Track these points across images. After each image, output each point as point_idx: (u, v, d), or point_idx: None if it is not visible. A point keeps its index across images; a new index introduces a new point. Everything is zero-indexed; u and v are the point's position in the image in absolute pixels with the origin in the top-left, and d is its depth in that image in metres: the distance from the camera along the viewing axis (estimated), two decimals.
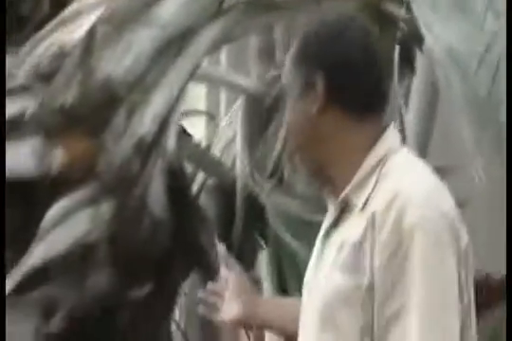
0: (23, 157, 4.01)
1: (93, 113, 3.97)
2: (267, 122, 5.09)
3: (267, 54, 8.36)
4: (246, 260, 4.41)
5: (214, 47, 4.51)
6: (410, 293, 2.61)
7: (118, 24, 4.01)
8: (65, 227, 3.94)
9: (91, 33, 3.95)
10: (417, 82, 6.08)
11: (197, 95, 5.08)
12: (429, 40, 4.96)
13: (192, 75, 4.29)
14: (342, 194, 2.74)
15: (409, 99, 6.09)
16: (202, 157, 4.94)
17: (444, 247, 2.62)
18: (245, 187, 4.80)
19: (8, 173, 4.02)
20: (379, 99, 2.98)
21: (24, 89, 3.99)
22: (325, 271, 2.78)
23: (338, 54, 2.88)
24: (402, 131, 6.33)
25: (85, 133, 3.97)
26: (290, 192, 5.63)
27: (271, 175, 5.28)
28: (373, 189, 2.72)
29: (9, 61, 4.14)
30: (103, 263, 3.96)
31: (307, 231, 5.21)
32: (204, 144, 5.25)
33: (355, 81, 2.90)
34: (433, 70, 5.37)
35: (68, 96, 3.91)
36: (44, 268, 3.83)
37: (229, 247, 4.39)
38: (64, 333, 3.98)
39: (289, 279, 5.30)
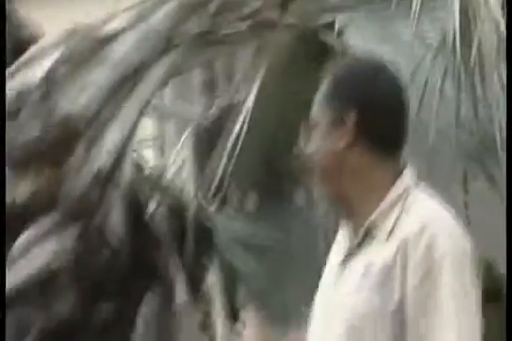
0: None
1: (54, 147, 4.07)
2: (212, 148, 5.25)
3: (210, 86, 8.59)
4: (196, 278, 4.56)
5: (164, 82, 4.61)
6: (443, 312, 2.83)
7: (74, 64, 4.10)
8: (33, 255, 4.09)
9: (50, 73, 4.07)
10: None
11: (145, 126, 5.22)
12: None
13: (145, 109, 4.40)
14: (366, 223, 2.90)
15: None
16: (155, 184, 5.02)
17: (467, 277, 2.84)
18: (193, 210, 4.87)
19: None
20: (401, 139, 3.15)
21: None
22: (350, 293, 2.93)
23: (372, 95, 3.09)
24: None
25: (48, 165, 4.09)
26: (232, 215, 5.84)
27: (214, 196, 5.45)
28: (396, 220, 2.91)
29: None
30: (67, 288, 4.12)
31: (250, 251, 5.42)
32: (155, 173, 5.28)
33: (383, 121, 3.08)
34: None
35: (32, 131, 3.99)
36: (13, 294, 4.00)
37: (183, 267, 4.53)
38: None
39: (238, 296, 5.47)
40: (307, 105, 6.28)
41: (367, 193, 3.00)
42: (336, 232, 5.31)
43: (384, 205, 2.92)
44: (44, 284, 4.10)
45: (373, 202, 2.93)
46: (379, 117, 3.04)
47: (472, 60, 4.65)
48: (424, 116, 5.15)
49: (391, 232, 2.86)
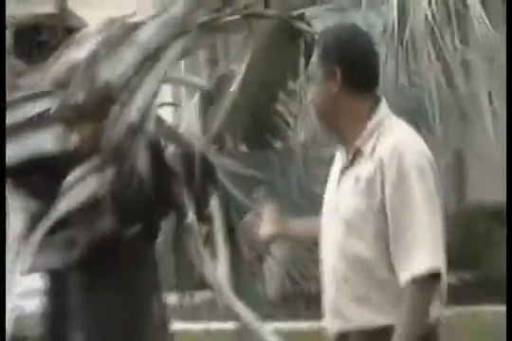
0: (48, 141, 4.13)
1: (96, 107, 4.14)
2: (213, 107, 5.35)
3: (212, 61, 8.73)
4: (202, 203, 4.63)
5: (178, 59, 4.69)
6: (414, 210, 3.16)
7: (111, 45, 4.16)
8: (79, 188, 4.07)
9: (93, 52, 4.13)
10: None
11: (164, 91, 5.27)
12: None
13: (163, 79, 4.53)
14: (355, 145, 3.32)
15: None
16: (172, 134, 4.98)
17: (430, 181, 3.19)
18: (199, 152, 4.78)
19: (34, 152, 4.14)
20: (375, 82, 3.52)
21: (48, 93, 4.11)
22: (346, 196, 3.34)
23: (352, 52, 3.46)
24: None
25: (91, 121, 4.13)
26: (230, 154, 5.98)
27: (214, 143, 5.61)
28: (376, 141, 3.27)
29: (35, 74, 4.30)
30: (107, 211, 4.12)
31: (243, 182, 5.55)
32: (172, 126, 5.17)
33: (361, 71, 3.45)
34: None
35: (79, 95, 4.08)
36: (65, 217, 3.96)
37: (192, 195, 4.55)
38: (81, 261, 4.14)
39: (234, 217, 5.57)
40: (283, 74, 6.51)
41: (353, 124, 3.36)
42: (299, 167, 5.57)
43: (365, 132, 3.30)
44: (88, 209, 4.09)
45: (358, 130, 3.32)
46: (359, 68, 3.42)
47: (405, 40, 4.66)
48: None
49: (371, 152, 3.23)
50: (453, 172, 13.04)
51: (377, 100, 3.46)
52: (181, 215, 4.70)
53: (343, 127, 3.43)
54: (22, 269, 3.82)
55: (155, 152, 4.55)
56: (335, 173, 3.47)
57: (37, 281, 4.49)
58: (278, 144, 6.37)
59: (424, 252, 3.12)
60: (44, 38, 4.51)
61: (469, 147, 12.35)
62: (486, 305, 10.87)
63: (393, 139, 3.29)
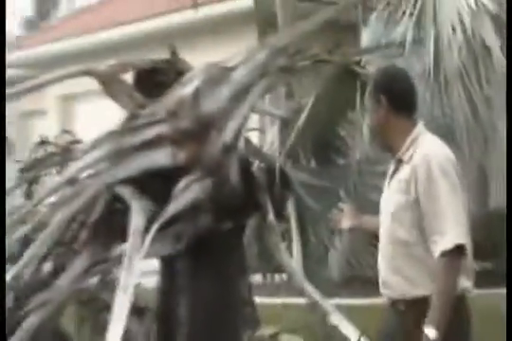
0: (162, 158, 4.15)
1: (199, 132, 4.14)
2: (289, 131, 5.34)
3: (289, 96, 8.80)
4: (280, 207, 4.67)
5: (263, 94, 4.74)
6: (440, 201, 3.40)
7: (211, 83, 4.16)
8: (185, 194, 4.04)
9: (197, 89, 4.13)
10: None
11: (252, 119, 5.37)
12: None
13: (251, 109, 4.47)
14: (398, 155, 3.69)
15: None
16: (257, 153, 4.97)
17: (453, 177, 3.46)
18: (279, 167, 4.74)
19: (151, 166, 4.12)
20: (413, 107, 3.76)
21: (162, 121, 4.15)
22: (391, 194, 3.71)
23: (393, 84, 3.81)
24: None
25: (195, 143, 4.10)
26: (303, 168, 6.01)
27: (290, 159, 5.69)
28: (413, 152, 3.57)
29: (153, 106, 4.29)
30: (205, 212, 4.11)
31: (312, 190, 5.54)
32: (257, 146, 5.24)
33: (402, 98, 3.75)
34: None
35: (186, 123, 4.17)
36: (174, 216, 3.94)
37: (272, 200, 4.55)
38: (186, 250, 4.10)
39: (305, 218, 5.56)
40: (344, 106, 6.82)
41: (397, 139, 3.66)
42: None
43: (405, 145, 3.61)
44: (191, 210, 4.06)
45: (401, 143, 3.63)
46: (399, 96, 3.73)
47: (440, 80, 4.60)
48: None
49: (409, 161, 3.56)
50: (477, 184, 12.73)
51: (415, 122, 3.74)
52: (263, 215, 4.67)
53: (391, 142, 3.75)
54: (141, 255, 3.72)
55: (244, 166, 4.51)
56: (387, 179, 3.81)
57: (153, 264, 4.44)
58: (340, 161, 6.53)
59: (451, 232, 3.29)
60: (160, 78, 4.55)
61: (490, 163, 12.22)
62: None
63: (425, 150, 3.58)
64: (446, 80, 4.05)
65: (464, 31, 3.65)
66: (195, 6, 9.18)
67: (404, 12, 4.06)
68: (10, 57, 14.54)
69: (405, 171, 3.60)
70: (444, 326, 3.13)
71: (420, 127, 3.72)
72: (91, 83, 4.34)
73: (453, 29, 3.77)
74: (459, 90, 4.13)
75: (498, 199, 12.48)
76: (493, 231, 11.55)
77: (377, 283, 3.83)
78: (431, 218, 3.41)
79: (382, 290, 3.66)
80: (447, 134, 5.28)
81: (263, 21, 8.94)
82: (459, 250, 3.23)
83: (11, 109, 14.33)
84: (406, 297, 3.47)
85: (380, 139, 3.87)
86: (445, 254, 3.24)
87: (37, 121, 12.42)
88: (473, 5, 3.68)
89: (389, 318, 3.69)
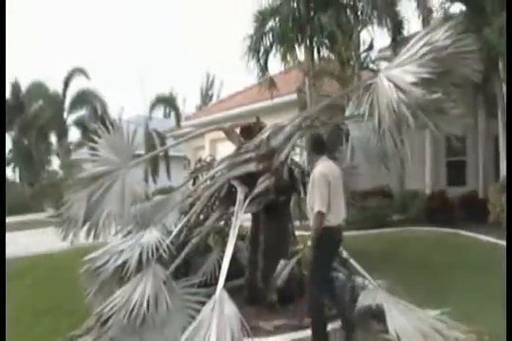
0: (251, 167, 5.32)
1: (269, 155, 5.30)
2: None
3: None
4: (306, 190, 4.67)
5: (299, 137, 5.62)
6: (314, 190, 4.26)
7: (275, 132, 5.35)
8: (262, 184, 5.26)
9: (269, 135, 5.37)
10: None
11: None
12: None
13: (294, 145, 5.54)
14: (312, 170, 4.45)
15: None
16: (296, 164, 5.89)
17: (321, 185, 4.23)
18: (306, 170, 5.62)
19: (246, 171, 5.29)
20: (322, 150, 4.45)
21: (251, 151, 5.33)
22: (309, 188, 4.45)
23: (315, 142, 4.55)
24: None
25: (267, 160, 5.31)
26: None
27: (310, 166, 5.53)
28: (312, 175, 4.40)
29: (247, 145, 5.38)
30: (272, 192, 5.29)
31: None
32: (296, 160, 6.05)
33: (317, 146, 4.45)
34: None
35: (262, 151, 5.28)
36: (257, 194, 5.14)
37: (302, 186, 5.42)
38: (263, 209, 5.35)
39: None
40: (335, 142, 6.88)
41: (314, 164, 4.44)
42: None
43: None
44: (265, 191, 5.22)
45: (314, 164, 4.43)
46: (316, 146, 4.43)
47: (381, 132, 4.81)
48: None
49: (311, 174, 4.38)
50: (399, 177, 13.69)
51: (322, 156, 4.49)
52: (299, 193, 5.83)
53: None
54: (242, 211, 4.93)
55: (290, 171, 5.64)
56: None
57: (248, 216, 5.66)
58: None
59: (318, 204, 4.24)
60: (252, 130, 5.74)
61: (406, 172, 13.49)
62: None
63: (316, 168, 4.40)
64: (383, 132, 4.67)
65: (393, 109, 4.43)
66: (272, 98, 13.01)
67: (364, 101, 4.77)
68: (187, 123, 20.50)
69: (311, 176, 4.41)
70: (314, 242, 4.30)
71: (323, 158, 4.49)
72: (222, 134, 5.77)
73: (387, 108, 4.64)
74: (389, 136, 4.82)
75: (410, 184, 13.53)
76: (404, 202, 12.44)
77: None
78: (312, 197, 4.32)
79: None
80: (383, 155, 5.55)
81: (300, 105, 12.65)
82: (320, 212, 4.26)
83: (189, 146, 20.30)
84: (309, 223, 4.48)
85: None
86: (315, 213, 4.27)
87: (200, 152, 16.55)
88: (395, 97, 4.53)
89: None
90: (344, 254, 5.38)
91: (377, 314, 4.68)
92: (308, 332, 4.54)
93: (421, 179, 14.24)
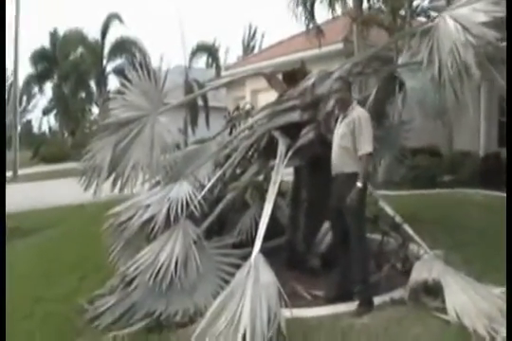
0: (295, 116, 4.91)
1: (315, 102, 4.91)
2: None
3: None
4: None
5: None
6: (363, 134, 4.02)
7: (322, 79, 4.97)
8: (306, 136, 4.81)
9: (314, 82, 5.01)
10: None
11: None
12: None
13: None
14: (346, 113, 4.10)
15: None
16: None
17: (369, 127, 4.02)
18: None
19: (290, 120, 4.88)
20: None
21: (295, 98, 4.92)
22: (341, 128, 4.13)
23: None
24: None
25: (312, 109, 4.88)
26: None
27: None
28: (352, 112, 4.08)
29: (291, 91, 4.98)
30: (316, 145, 4.77)
31: None
32: None
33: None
34: None
35: (307, 99, 4.86)
36: (300, 146, 4.71)
37: None
38: (306, 163, 4.95)
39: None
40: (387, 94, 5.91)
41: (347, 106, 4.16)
42: None
43: (349, 109, 4.12)
44: (309, 144, 4.79)
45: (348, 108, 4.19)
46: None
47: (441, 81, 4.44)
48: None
49: (350, 115, 4.09)
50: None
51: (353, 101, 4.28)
52: None
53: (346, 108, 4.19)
54: (283, 165, 4.51)
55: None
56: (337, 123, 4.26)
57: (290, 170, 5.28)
58: None
59: (369, 146, 3.99)
60: (296, 76, 5.25)
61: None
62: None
63: (357, 112, 4.08)
64: (444, 82, 4.28)
65: (458, 55, 4.07)
66: (320, 46, 12.33)
67: (423, 47, 4.33)
68: (228, 72, 19.59)
69: (347, 120, 4.16)
70: (362, 192, 4.03)
71: (355, 102, 4.32)
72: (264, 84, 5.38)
73: (450, 53, 4.15)
74: (449, 86, 4.27)
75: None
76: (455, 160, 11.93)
77: None
78: (359, 139, 4.07)
79: (333, 169, 4.25)
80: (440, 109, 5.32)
81: (347, 55, 11.78)
82: (371, 154, 4.08)
83: (230, 96, 19.53)
84: (344, 172, 4.21)
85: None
86: (365, 154, 4.05)
87: (241, 102, 16.09)
88: (462, 40, 4.04)
89: (336, 186, 4.26)
90: (397, 218, 4.91)
91: (433, 290, 4.19)
92: (354, 305, 4.13)
93: (471, 139, 13.48)
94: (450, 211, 8.22)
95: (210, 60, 27.91)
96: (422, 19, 12.34)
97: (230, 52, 60.57)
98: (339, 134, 4.24)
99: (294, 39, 16.87)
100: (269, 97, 5.48)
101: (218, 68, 24.62)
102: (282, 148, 4.67)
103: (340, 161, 4.25)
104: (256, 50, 36.48)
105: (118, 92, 5.22)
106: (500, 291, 4.12)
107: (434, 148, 12.72)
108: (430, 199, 9.65)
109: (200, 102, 22.16)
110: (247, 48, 39.49)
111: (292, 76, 5.20)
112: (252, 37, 40.12)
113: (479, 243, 5.99)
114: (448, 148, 13.15)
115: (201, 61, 28.09)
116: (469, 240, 6.14)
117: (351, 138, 4.15)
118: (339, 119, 4.33)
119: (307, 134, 4.88)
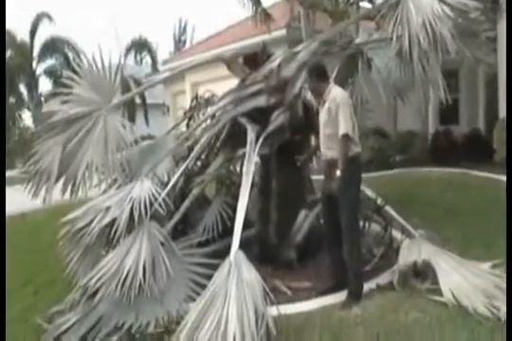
0: (261, 101, 4.61)
1: (280, 86, 4.63)
2: None
3: None
4: None
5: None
6: (341, 116, 3.76)
7: (287, 60, 4.68)
8: (276, 121, 4.52)
9: (279, 64, 4.70)
10: None
11: None
12: None
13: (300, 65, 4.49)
14: (323, 98, 3.87)
15: None
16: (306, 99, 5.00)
17: (347, 108, 3.76)
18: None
19: (255, 106, 4.58)
20: (327, 77, 4.05)
21: (259, 82, 4.64)
22: (323, 114, 3.94)
23: (317, 69, 4.02)
24: None
25: (280, 93, 4.59)
26: None
27: None
28: (329, 96, 3.84)
29: (254, 74, 4.66)
30: (286, 130, 4.56)
31: None
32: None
33: (322, 74, 3.96)
34: None
35: (272, 82, 4.57)
36: (270, 133, 4.43)
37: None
38: (276, 151, 4.64)
39: None
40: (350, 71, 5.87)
41: (322, 90, 3.94)
42: None
43: (325, 93, 3.88)
44: (279, 129, 4.53)
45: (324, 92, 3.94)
46: (321, 74, 3.96)
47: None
48: None
49: (327, 99, 3.86)
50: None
51: (329, 82, 4.02)
52: (317, 132, 4.54)
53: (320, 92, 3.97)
54: (254, 154, 4.17)
55: (305, 105, 4.80)
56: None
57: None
58: None
59: (345, 127, 3.76)
60: (258, 59, 4.92)
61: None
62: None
63: (334, 94, 3.85)
64: (411, 57, 4.03)
65: (427, 29, 3.85)
66: (269, 32, 11.53)
67: (391, 22, 4.09)
68: (166, 67, 18.94)
69: (326, 105, 3.93)
70: (344, 172, 3.76)
71: (332, 84, 4.10)
72: (210, 74, 5.08)
73: (422, 27, 3.93)
74: (418, 61, 4.11)
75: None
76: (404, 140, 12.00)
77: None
78: (339, 122, 3.80)
79: (322, 156, 4.04)
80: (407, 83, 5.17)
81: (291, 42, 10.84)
82: (347, 135, 3.80)
83: (168, 91, 19.25)
84: (327, 157, 3.98)
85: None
86: (341, 136, 3.80)
87: (181, 97, 15.57)
88: (438, 10, 3.85)
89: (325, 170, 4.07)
90: (378, 200, 4.73)
91: (422, 272, 4.06)
92: (337, 297, 3.93)
93: (414, 118, 13.43)
94: (412, 190, 8.18)
95: (143, 56, 27.39)
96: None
97: (162, 48, 60.17)
98: (322, 121, 4.04)
99: (233, 28, 16.30)
100: (211, 88, 5.33)
101: (154, 62, 24.09)
102: (251, 135, 4.35)
103: (326, 147, 4.04)
104: (188, 44, 35.85)
105: (56, 94, 4.87)
106: (487, 266, 4.04)
107: (381, 129, 12.57)
108: (391, 180, 9.56)
109: (138, 100, 21.57)
110: (179, 43, 38.84)
111: (254, 58, 4.89)
112: (183, 31, 39.90)
113: (451, 221, 5.93)
114: (393, 128, 13.10)
115: (131, 59, 27.70)
116: (442, 218, 6.05)
117: (334, 123, 3.92)
118: (320, 107, 4.09)
119: (277, 119, 4.59)
